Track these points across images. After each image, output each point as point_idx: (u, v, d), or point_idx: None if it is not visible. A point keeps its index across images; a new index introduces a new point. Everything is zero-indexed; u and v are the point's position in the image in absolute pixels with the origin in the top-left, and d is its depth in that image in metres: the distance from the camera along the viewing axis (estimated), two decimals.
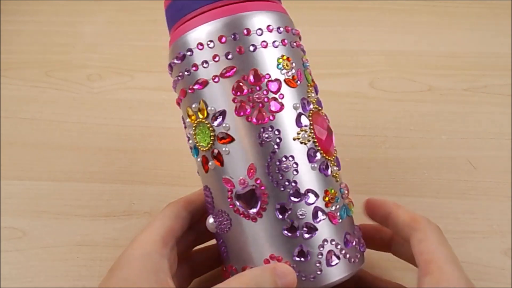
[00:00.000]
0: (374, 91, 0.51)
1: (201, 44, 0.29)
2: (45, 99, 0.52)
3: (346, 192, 0.31)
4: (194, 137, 0.30)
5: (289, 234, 0.28)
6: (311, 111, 0.30)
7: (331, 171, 0.30)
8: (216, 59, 0.29)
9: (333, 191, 0.30)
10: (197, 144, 0.30)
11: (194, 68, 0.30)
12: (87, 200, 0.43)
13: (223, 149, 0.29)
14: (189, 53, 0.30)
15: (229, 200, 0.29)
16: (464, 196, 0.42)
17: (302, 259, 0.28)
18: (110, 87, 0.53)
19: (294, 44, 0.31)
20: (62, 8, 0.63)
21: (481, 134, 0.47)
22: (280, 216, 0.29)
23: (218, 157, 0.29)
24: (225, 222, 0.30)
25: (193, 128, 0.30)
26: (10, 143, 0.48)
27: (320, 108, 0.31)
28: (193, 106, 0.30)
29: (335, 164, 0.31)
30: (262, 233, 0.29)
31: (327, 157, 0.30)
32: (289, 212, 0.28)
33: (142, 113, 0.50)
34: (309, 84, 0.31)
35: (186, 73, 0.30)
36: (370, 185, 0.43)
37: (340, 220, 0.30)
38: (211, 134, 0.29)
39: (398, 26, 0.58)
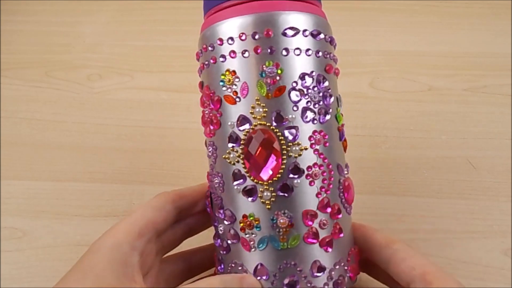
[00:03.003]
0: (374, 91, 0.51)
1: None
2: (45, 99, 0.52)
3: (287, 222, 0.28)
4: None
5: (215, 241, 0.31)
6: (248, 131, 0.28)
7: (261, 197, 0.28)
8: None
9: (252, 218, 0.28)
10: None
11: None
12: (87, 200, 0.43)
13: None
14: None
15: None
16: (464, 196, 0.42)
17: (221, 270, 0.31)
18: (110, 87, 0.53)
19: (249, 53, 0.28)
20: (62, 8, 0.63)
21: (481, 134, 0.47)
22: (214, 223, 0.31)
23: None
24: None
25: None
26: (10, 143, 0.48)
27: (269, 124, 0.28)
28: None
29: (273, 190, 0.28)
30: None
31: (257, 181, 0.28)
32: (216, 223, 0.31)
33: (142, 113, 0.50)
34: (258, 98, 0.28)
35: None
36: (370, 185, 0.43)
37: (254, 250, 0.28)
38: None
39: (398, 26, 0.58)
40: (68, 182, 0.45)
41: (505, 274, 0.38)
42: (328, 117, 0.29)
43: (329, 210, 0.29)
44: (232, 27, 0.28)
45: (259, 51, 0.28)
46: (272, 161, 0.28)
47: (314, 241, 0.28)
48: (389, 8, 0.60)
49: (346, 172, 0.31)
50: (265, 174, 0.28)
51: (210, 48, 0.29)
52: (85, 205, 0.43)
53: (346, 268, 0.30)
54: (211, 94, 0.29)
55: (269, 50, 0.28)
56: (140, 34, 0.58)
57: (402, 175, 0.44)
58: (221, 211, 0.30)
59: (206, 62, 0.30)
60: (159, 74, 0.53)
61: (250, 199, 0.28)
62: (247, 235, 0.28)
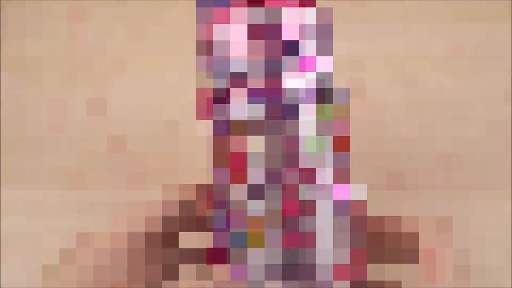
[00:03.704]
0: (374, 91, 0.51)
1: None
2: (45, 99, 0.52)
3: (251, 224, 0.29)
4: None
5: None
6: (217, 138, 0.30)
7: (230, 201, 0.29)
8: None
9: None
10: None
11: None
12: (86, 201, 0.43)
13: None
14: None
15: None
16: (463, 195, 0.42)
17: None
18: (111, 87, 0.53)
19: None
20: (63, 8, 0.63)
21: (481, 133, 0.46)
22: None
23: None
24: None
25: None
26: (10, 143, 0.48)
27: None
28: None
29: (240, 194, 0.29)
30: None
31: (226, 185, 0.29)
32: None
33: (143, 113, 0.50)
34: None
35: None
36: (369, 185, 0.43)
37: (229, 249, 0.30)
38: None
39: (398, 27, 0.58)
40: (68, 182, 0.45)
41: (505, 274, 0.38)
42: (301, 115, 0.29)
43: (298, 212, 0.28)
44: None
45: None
46: (236, 167, 0.28)
47: (281, 243, 0.28)
48: (389, 9, 0.60)
49: (330, 169, 0.30)
50: (228, 179, 0.29)
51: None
52: (85, 206, 0.43)
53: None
54: None
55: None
56: (141, 34, 0.58)
57: (402, 174, 0.44)
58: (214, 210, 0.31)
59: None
60: (159, 74, 0.53)
61: (226, 201, 0.29)
62: (223, 233, 0.30)
